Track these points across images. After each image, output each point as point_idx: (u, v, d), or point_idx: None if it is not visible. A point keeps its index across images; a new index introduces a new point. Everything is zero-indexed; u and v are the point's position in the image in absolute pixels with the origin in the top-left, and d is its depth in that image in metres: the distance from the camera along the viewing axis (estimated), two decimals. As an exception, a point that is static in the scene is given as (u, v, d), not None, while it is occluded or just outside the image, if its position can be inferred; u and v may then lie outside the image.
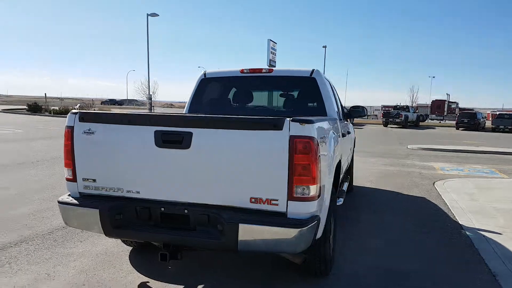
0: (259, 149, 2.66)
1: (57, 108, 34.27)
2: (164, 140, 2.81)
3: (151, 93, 33.37)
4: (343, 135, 4.86)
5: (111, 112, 3.05)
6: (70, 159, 3.08)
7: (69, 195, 3.14)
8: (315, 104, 4.57)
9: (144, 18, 30.90)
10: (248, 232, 2.63)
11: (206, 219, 2.81)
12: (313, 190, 2.67)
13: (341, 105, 6.34)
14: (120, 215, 2.92)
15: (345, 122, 5.89)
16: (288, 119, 2.62)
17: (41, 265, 3.60)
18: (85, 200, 3.04)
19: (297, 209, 2.66)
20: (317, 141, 2.71)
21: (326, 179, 3.04)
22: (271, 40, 32.54)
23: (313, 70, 4.60)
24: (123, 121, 2.94)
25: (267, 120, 2.65)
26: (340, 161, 3.95)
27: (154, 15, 31.46)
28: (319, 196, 2.75)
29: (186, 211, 2.85)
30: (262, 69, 4.73)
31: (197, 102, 4.92)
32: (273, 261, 3.76)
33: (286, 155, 2.61)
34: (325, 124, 3.14)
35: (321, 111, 4.48)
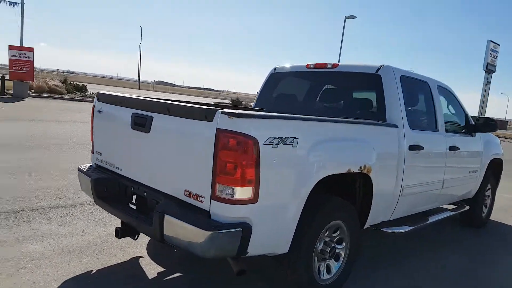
0: (193, 139, 2.50)
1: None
2: (136, 123, 2.92)
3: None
4: (435, 152, 4.06)
5: (113, 93, 3.32)
6: (91, 134, 3.52)
7: (90, 164, 3.59)
8: (376, 105, 3.83)
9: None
10: (171, 225, 2.49)
11: (155, 204, 2.78)
12: (239, 193, 2.32)
13: (466, 115, 5.12)
14: (105, 187, 3.18)
15: (463, 135, 4.81)
16: (220, 110, 2.34)
17: (87, 222, 4.23)
18: (90, 169, 3.42)
19: (220, 211, 2.36)
20: (258, 140, 2.33)
21: (288, 189, 2.56)
22: (491, 41, 28.28)
23: (381, 66, 3.86)
24: (116, 102, 3.18)
25: (199, 110, 2.44)
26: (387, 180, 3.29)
27: (352, 17, 31.45)
28: (251, 201, 2.35)
29: (145, 193, 2.90)
30: (326, 64, 4.25)
31: (264, 97, 4.81)
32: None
33: (212, 149, 2.35)
34: (292, 124, 2.59)
35: (380, 114, 3.73)
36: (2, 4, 19.11)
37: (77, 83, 26.98)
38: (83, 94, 24.70)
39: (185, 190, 2.55)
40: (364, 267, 3.77)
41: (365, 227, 3.48)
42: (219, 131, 2.31)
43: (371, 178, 3.24)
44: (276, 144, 2.43)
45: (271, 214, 2.52)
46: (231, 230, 2.32)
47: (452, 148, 4.44)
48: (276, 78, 4.76)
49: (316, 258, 3.00)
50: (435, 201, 4.49)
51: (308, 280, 2.87)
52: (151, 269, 3.35)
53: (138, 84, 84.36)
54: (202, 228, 2.31)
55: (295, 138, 2.56)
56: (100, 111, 3.38)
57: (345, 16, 31.28)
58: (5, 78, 19.70)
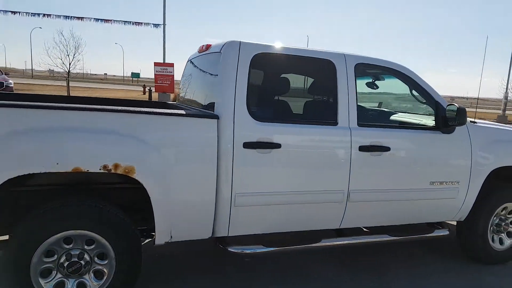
0: None
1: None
2: None
3: (508, 91, 27.83)
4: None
5: None
6: None
7: None
8: (210, 90, 3.07)
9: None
10: None
11: None
12: None
13: (437, 104, 3.63)
14: None
15: (416, 131, 3.51)
16: None
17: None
18: None
19: None
20: None
21: None
22: None
23: (227, 42, 3.05)
24: None
25: None
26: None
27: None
28: None
29: None
30: (203, 46, 3.58)
31: (182, 87, 4.34)
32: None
33: None
34: None
35: (210, 102, 2.98)
36: (148, 26, 22.33)
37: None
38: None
39: None
40: None
41: (158, 242, 2.78)
42: None
43: (140, 181, 2.60)
44: None
45: None
46: None
47: (369, 149, 3.18)
48: (187, 68, 4.23)
49: (56, 272, 2.58)
50: (340, 217, 3.24)
51: None
52: None
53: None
54: None
55: None
56: None
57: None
58: (152, 90, 23.08)
